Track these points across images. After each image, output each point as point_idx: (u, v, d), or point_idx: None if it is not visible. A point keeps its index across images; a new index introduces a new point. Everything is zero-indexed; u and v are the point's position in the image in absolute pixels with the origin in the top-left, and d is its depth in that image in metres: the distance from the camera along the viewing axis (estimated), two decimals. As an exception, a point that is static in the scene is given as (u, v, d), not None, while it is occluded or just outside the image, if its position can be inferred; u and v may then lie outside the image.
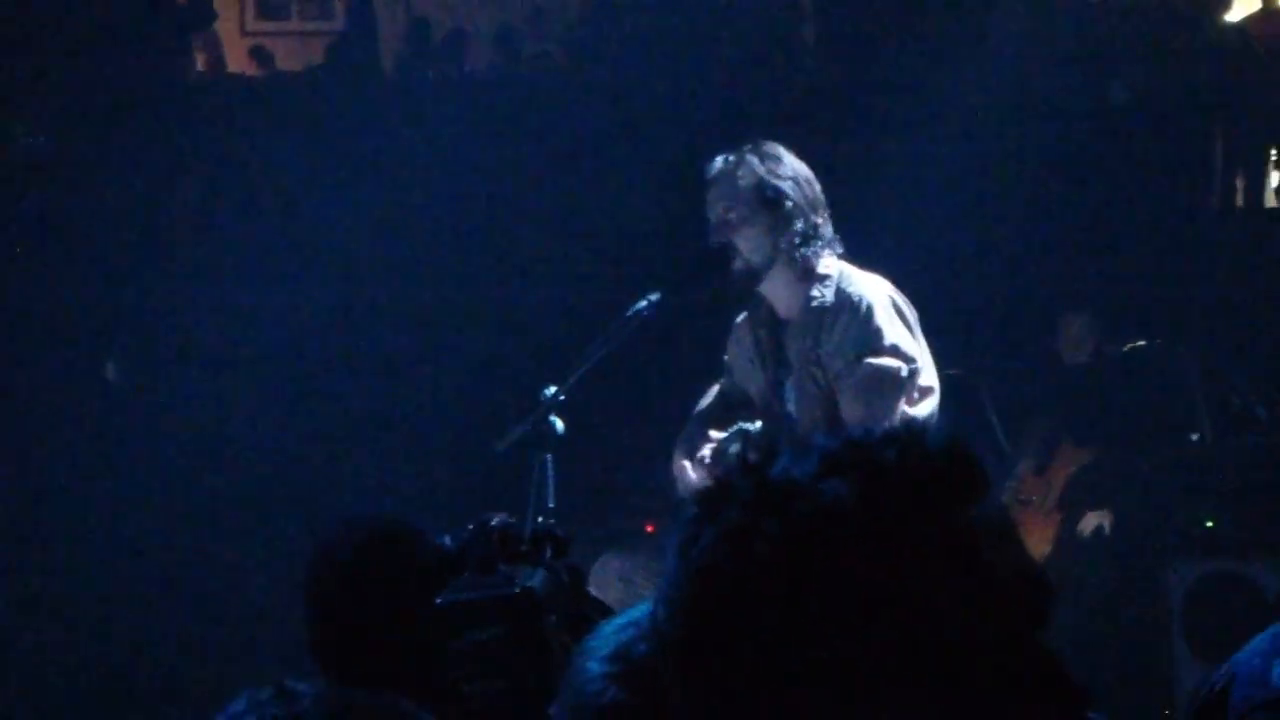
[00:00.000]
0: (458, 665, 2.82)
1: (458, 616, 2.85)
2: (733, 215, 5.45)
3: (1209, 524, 7.89)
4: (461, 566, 2.92)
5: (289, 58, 11.85)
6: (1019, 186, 9.55)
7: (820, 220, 5.50)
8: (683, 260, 5.71)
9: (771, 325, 5.58)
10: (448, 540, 2.99)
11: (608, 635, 2.17)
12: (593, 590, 3.10)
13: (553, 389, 5.42)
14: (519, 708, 2.80)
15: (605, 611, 2.96)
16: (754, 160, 5.47)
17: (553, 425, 5.38)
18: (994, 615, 1.57)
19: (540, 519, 5.45)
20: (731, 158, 5.49)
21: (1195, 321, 9.10)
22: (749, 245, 5.45)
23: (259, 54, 12.15)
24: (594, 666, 2.13)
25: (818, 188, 5.54)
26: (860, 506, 1.56)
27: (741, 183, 5.45)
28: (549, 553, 2.98)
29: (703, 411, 5.73)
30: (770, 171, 5.46)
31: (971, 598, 1.55)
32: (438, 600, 2.86)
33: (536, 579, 2.89)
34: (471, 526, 2.96)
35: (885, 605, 1.53)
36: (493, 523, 2.98)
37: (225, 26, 11.89)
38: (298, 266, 9.43)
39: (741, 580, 1.56)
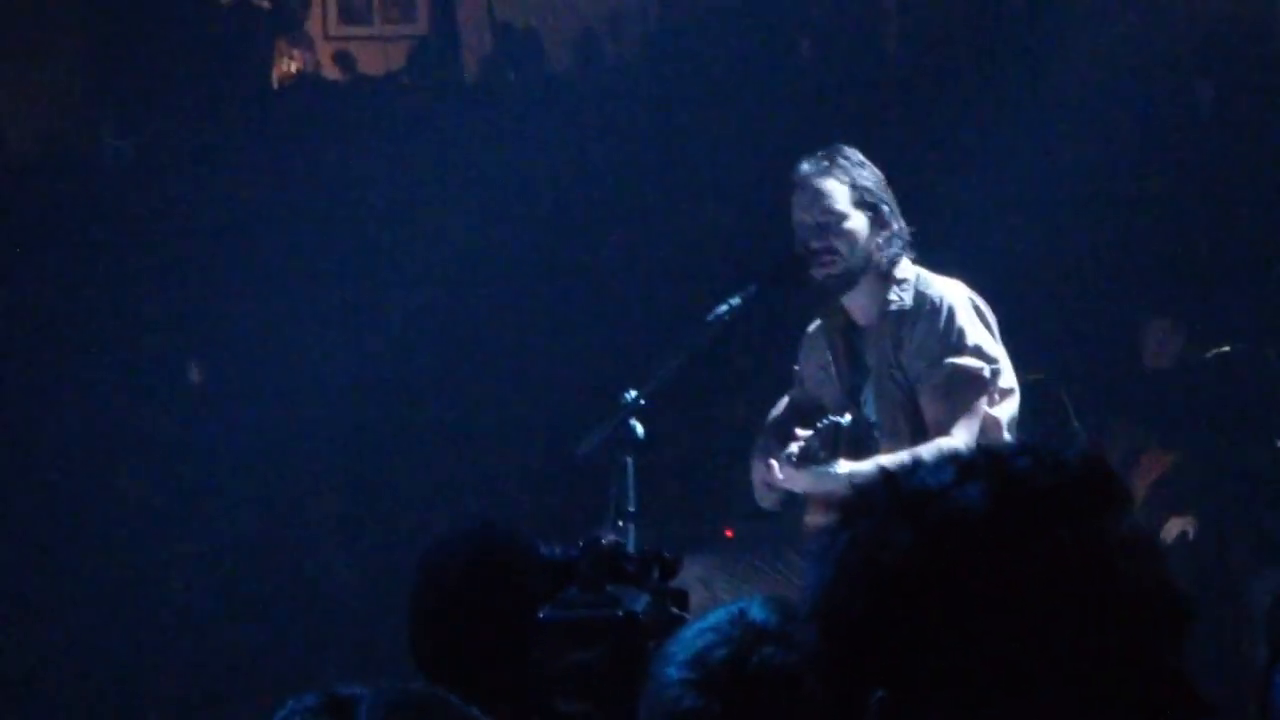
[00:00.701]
0: (555, 683, 2.81)
1: (560, 634, 2.84)
2: (833, 218, 5.42)
3: (1294, 531, 7.83)
4: (568, 582, 2.92)
5: (370, 62, 11.90)
6: (1102, 189, 9.48)
7: (903, 225, 5.50)
8: (765, 265, 5.69)
9: (847, 331, 5.57)
10: (557, 553, 2.99)
11: (687, 640, 2.18)
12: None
13: (633, 393, 5.42)
14: (613, 732, 2.80)
15: None
16: (845, 163, 5.46)
17: (633, 429, 5.39)
18: (1126, 631, 1.55)
19: (621, 523, 5.46)
20: (824, 161, 5.47)
21: (1281, 326, 9.01)
22: (849, 248, 5.43)
23: (343, 59, 12.21)
24: (672, 672, 2.14)
25: (892, 193, 5.55)
26: (992, 514, 1.55)
27: (839, 186, 5.44)
28: (656, 575, 2.97)
29: (776, 420, 5.71)
30: (861, 176, 5.46)
31: (1103, 612, 1.54)
32: (540, 615, 2.85)
33: (641, 603, 2.87)
34: (581, 542, 2.95)
35: (1014, 614, 1.53)
36: (603, 541, 2.97)
37: (309, 31, 11.95)
38: (379, 271, 9.47)
39: (873, 588, 1.56)
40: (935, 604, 1.54)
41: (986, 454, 1.60)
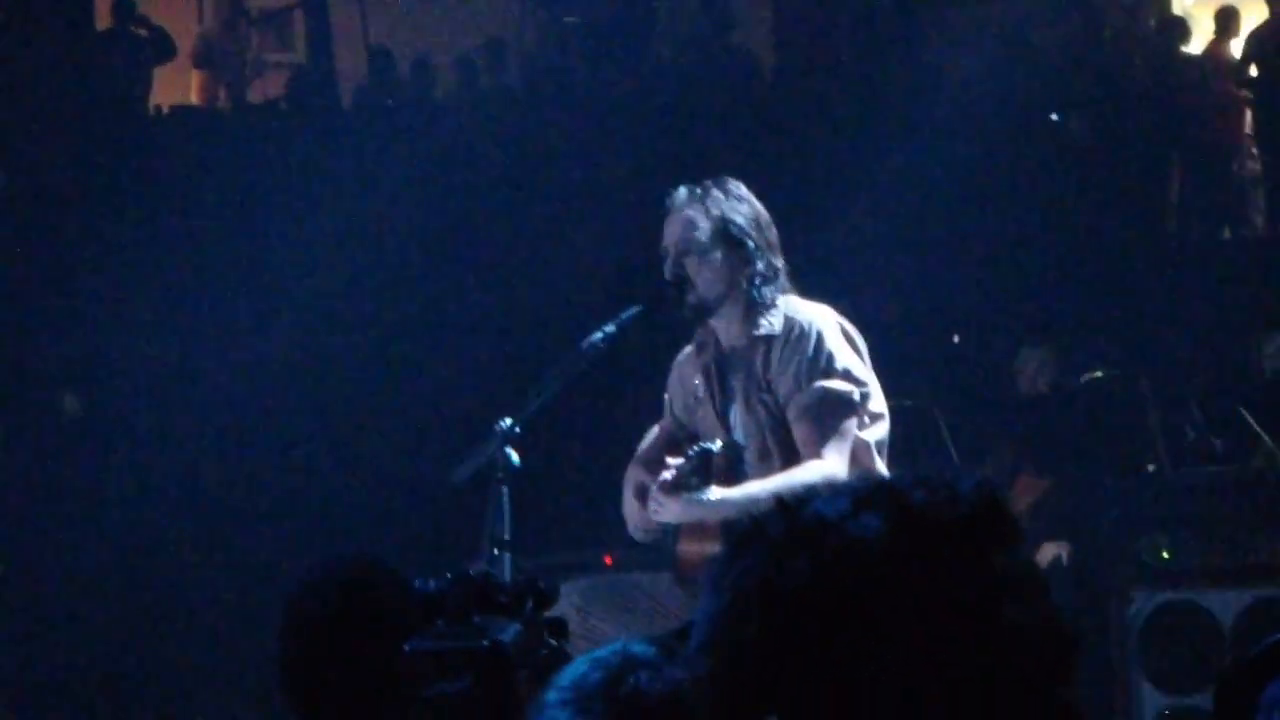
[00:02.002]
0: (422, 714, 2.80)
1: (425, 665, 2.83)
2: (693, 249, 5.44)
3: (1166, 555, 7.91)
4: (438, 614, 2.90)
5: (251, 89, 11.86)
6: (976, 219, 9.58)
7: (778, 262, 5.51)
8: (637, 291, 5.70)
9: (717, 357, 5.58)
10: (430, 585, 2.98)
11: (570, 669, 2.19)
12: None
13: (508, 421, 5.41)
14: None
15: None
16: (718, 195, 5.46)
17: (508, 457, 5.37)
18: (1016, 663, 1.57)
19: (496, 551, 5.45)
20: (697, 190, 5.48)
21: (1152, 353, 9.13)
22: (705, 280, 5.44)
23: (233, 87, 12.15)
24: (550, 695, 2.15)
25: (775, 232, 5.54)
26: (889, 545, 1.57)
27: (705, 217, 5.44)
28: (530, 605, 2.96)
29: (645, 452, 5.70)
30: (733, 209, 5.45)
31: (993, 644, 1.56)
32: (405, 647, 2.84)
33: (509, 632, 2.86)
34: (450, 575, 2.94)
35: (907, 644, 1.55)
36: (471, 572, 2.96)
37: (186, 59, 11.89)
38: (251, 302, 9.41)
39: (768, 615, 1.58)
40: (830, 631, 1.56)
41: (883, 485, 1.62)
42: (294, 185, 9.75)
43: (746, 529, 1.64)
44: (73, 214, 9.88)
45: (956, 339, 9.26)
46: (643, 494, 5.47)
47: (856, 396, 5.38)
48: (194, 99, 12.01)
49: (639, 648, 2.18)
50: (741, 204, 5.47)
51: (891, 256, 8.94)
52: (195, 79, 12.20)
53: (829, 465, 5.32)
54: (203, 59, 11.95)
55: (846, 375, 5.38)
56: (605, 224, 9.19)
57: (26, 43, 10.41)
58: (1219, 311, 9.34)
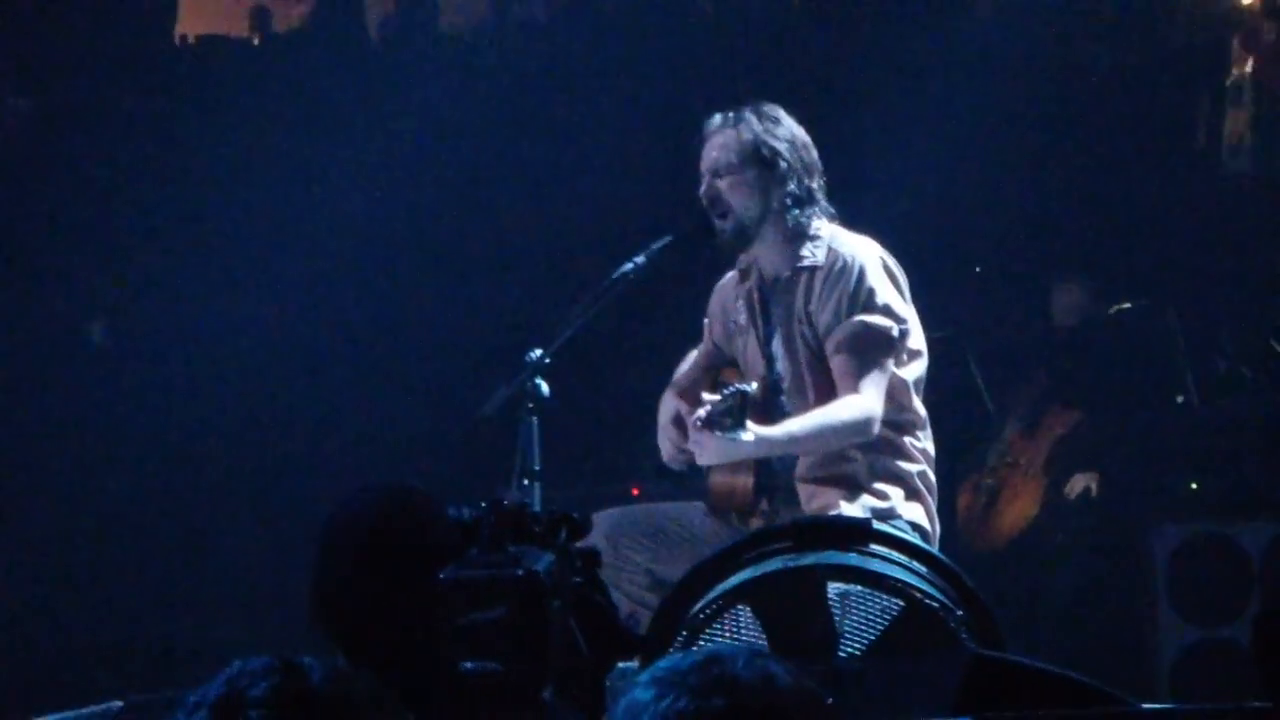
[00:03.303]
0: (456, 643, 2.81)
1: (460, 594, 2.84)
2: (725, 171, 5.45)
3: (1194, 486, 7.92)
4: (472, 542, 2.91)
5: (276, 20, 11.81)
6: (1008, 149, 9.53)
7: (814, 185, 5.51)
8: (669, 223, 5.70)
9: (760, 285, 5.58)
10: (465, 513, 2.99)
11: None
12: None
13: (538, 351, 5.42)
14: (513, 690, 2.80)
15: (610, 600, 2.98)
16: (752, 119, 5.49)
17: (538, 388, 5.39)
18: None
19: (525, 482, 5.47)
20: (731, 114, 5.50)
21: (1182, 284, 9.10)
22: (740, 202, 5.46)
23: (260, 14, 12.10)
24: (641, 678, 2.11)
25: (814, 153, 5.55)
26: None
27: (738, 140, 5.46)
28: (563, 536, 2.97)
29: (683, 377, 5.72)
30: (767, 131, 5.47)
31: None
32: (441, 575, 2.85)
33: (543, 562, 2.88)
34: (484, 503, 2.95)
35: None
36: (505, 501, 2.97)
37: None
38: (282, 231, 9.40)
39: None
40: None
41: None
42: (322, 115, 9.73)
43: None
44: (100, 140, 9.87)
45: (979, 269, 9.23)
46: (678, 421, 5.48)
47: (895, 333, 5.39)
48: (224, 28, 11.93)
49: (736, 664, 2.14)
50: (777, 126, 5.49)
51: (921, 187, 8.90)
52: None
53: (865, 401, 5.32)
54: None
55: (886, 311, 5.39)
56: (637, 154, 9.16)
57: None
58: (1249, 242, 9.29)
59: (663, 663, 2.08)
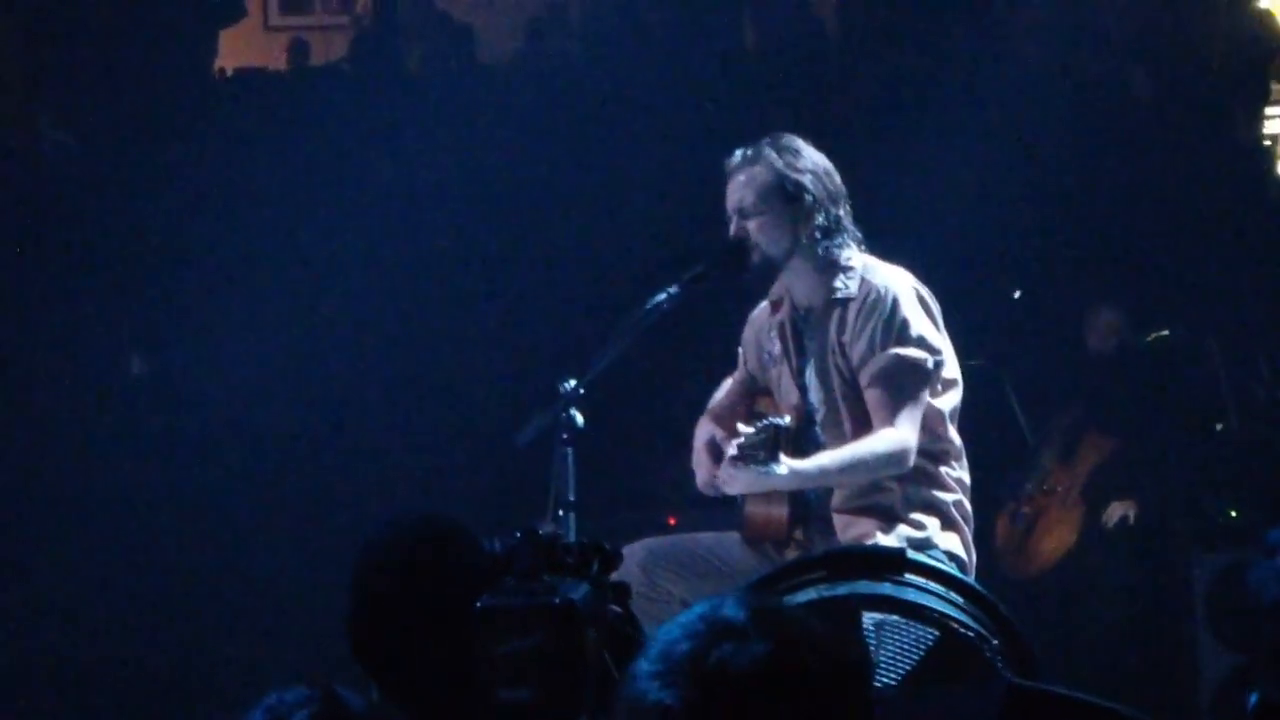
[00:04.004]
0: (493, 671, 2.82)
1: (498, 622, 2.85)
2: (751, 209, 5.46)
3: (1233, 514, 7.88)
4: (506, 572, 2.92)
5: (312, 52, 11.88)
6: (1045, 176, 9.52)
7: (841, 213, 5.51)
8: (703, 252, 5.71)
9: (793, 316, 5.59)
10: (496, 545, 3.00)
11: (661, 635, 2.19)
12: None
13: (572, 382, 5.42)
14: (548, 718, 2.81)
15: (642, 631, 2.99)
16: (772, 154, 5.48)
17: (572, 418, 5.39)
18: None
19: (561, 513, 5.47)
20: (750, 151, 5.50)
21: (1221, 311, 9.07)
22: (767, 239, 5.47)
23: (298, 47, 12.17)
24: (642, 665, 2.15)
25: (838, 179, 5.54)
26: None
27: (760, 177, 5.46)
28: (595, 567, 2.98)
29: (718, 405, 5.73)
30: (789, 165, 5.46)
31: None
32: (478, 604, 2.86)
33: (579, 592, 2.89)
34: (519, 534, 2.96)
35: None
36: (540, 531, 2.99)
37: (248, 21, 11.90)
38: (322, 261, 9.45)
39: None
40: None
41: None
42: (360, 145, 9.78)
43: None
44: (141, 173, 9.92)
45: (1017, 294, 9.22)
46: (714, 448, 5.49)
47: (930, 364, 5.38)
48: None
49: (731, 609, 2.17)
50: (798, 157, 5.48)
51: (958, 214, 8.89)
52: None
53: (900, 434, 5.32)
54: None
55: (920, 343, 5.38)
56: (673, 184, 9.17)
57: (93, 4, 10.45)
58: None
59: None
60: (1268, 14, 10.90)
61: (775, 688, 2.06)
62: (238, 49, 11.63)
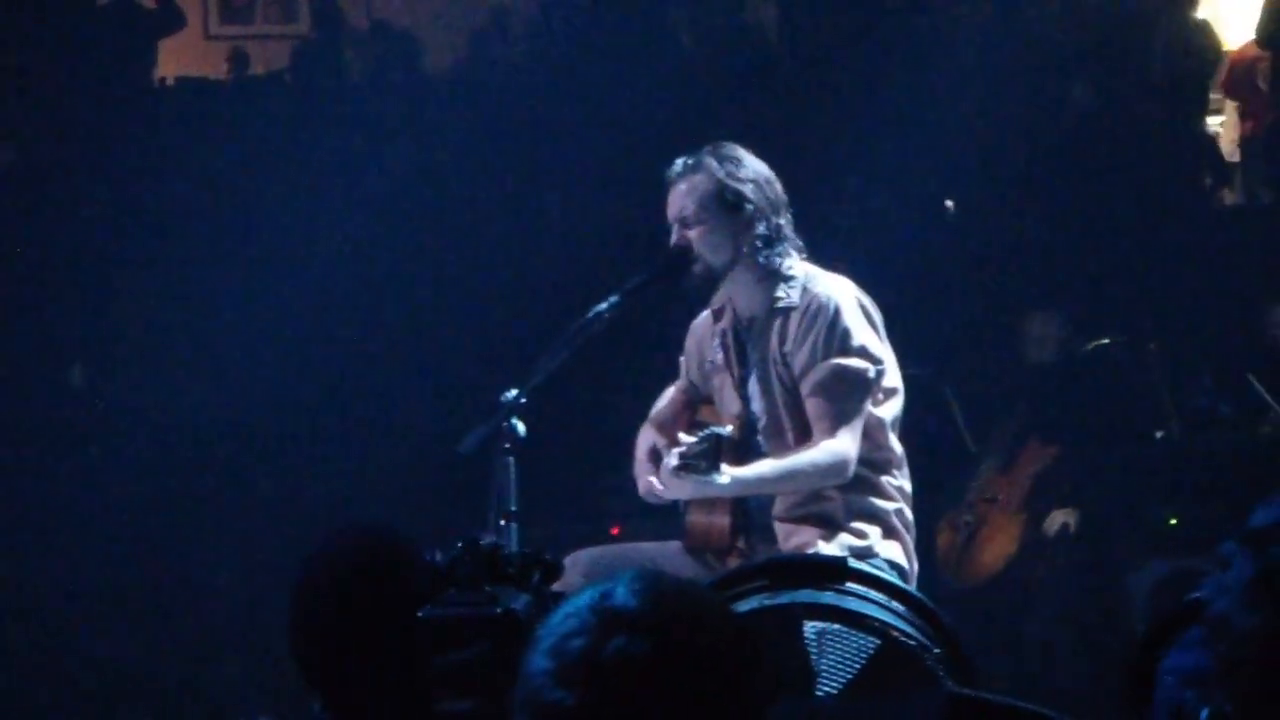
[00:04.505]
0: (436, 682, 2.82)
1: (439, 633, 2.85)
2: (691, 219, 5.46)
3: (1174, 522, 7.92)
4: (448, 583, 2.92)
5: (253, 62, 11.86)
6: (986, 185, 9.56)
7: (783, 221, 5.50)
8: (644, 261, 5.70)
9: (735, 325, 5.59)
10: (437, 555, 2.99)
11: (553, 625, 2.18)
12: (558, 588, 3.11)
13: (514, 391, 5.41)
14: (494, 729, 2.81)
15: None
16: (713, 163, 5.47)
17: (514, 427, 5.37)
18: None
19: (503, 522, 5.45)
20: (690, 161, 5.49)
21: (1160, 319, 9.12)
22: (708, 248, 5.46)
23: (238, 57, 12.15)
24: (538, 661, 2.15)
25: (779, 188, 5.53)
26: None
27: (701, 186, 5.45)
28: (537, 578, 2.98)
29: (660, 413, 5.73)
30: (730, 174, 5.45)
31: None
32: (419, 614, 2.86)
33: (521, 602, 2.89)
34: (461, 544, 2.96)
35: None
36: (481, 542, 2.98)
37: (188, 30, 11.87)
38: (261, 272, 9.42)
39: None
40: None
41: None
42: (302, 155, 9.76)
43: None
44: (83, 188, 9.87)
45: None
46: (655, 456, 5.48)
47: (871, 374, 5.39)
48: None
49: (622, 597, 2.17)
50: (739, 166, 5.47)
51: (896, 224, 8.92)
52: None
53: (840, 445, 5.32)
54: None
55: (862, 352, 5.38)
56: (611, 196, 9.18)
57: (31, 17, 10.40)
58: (1228, 277, 9.32)
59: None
60: (1207, 25, 10.98)
61: (669, 676, 2.07)
62: (178, 58, 11.60)
